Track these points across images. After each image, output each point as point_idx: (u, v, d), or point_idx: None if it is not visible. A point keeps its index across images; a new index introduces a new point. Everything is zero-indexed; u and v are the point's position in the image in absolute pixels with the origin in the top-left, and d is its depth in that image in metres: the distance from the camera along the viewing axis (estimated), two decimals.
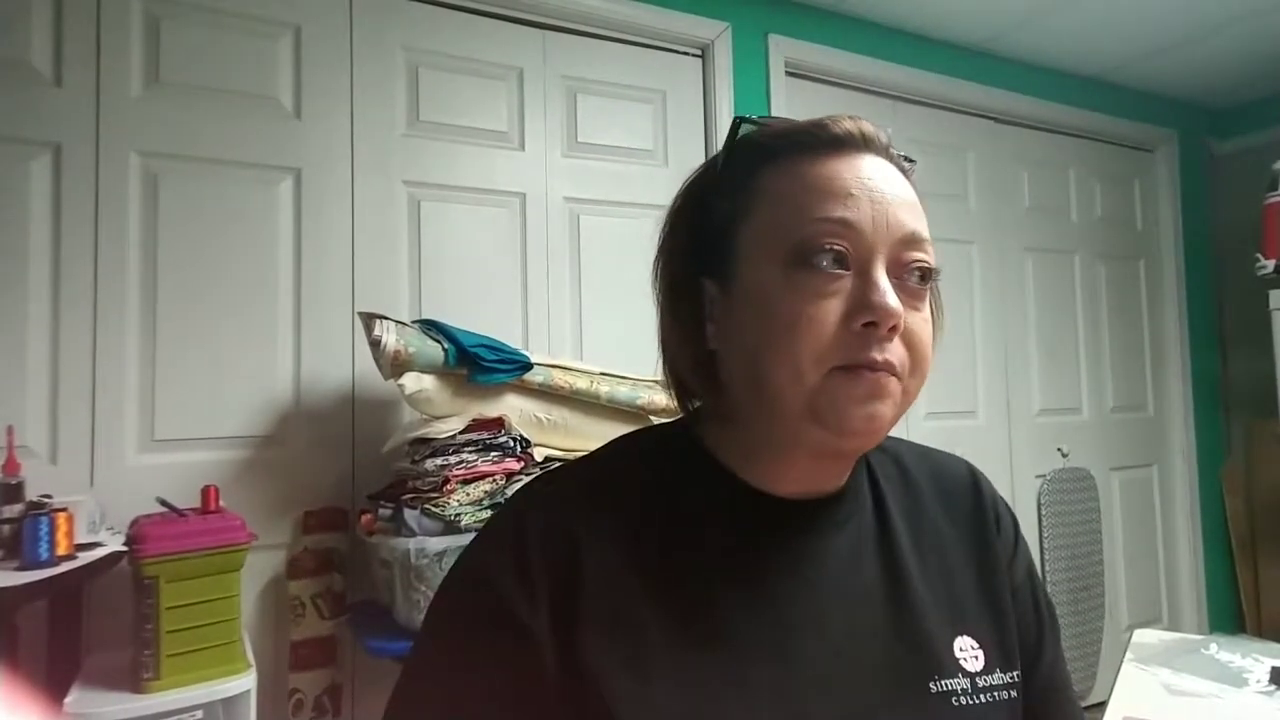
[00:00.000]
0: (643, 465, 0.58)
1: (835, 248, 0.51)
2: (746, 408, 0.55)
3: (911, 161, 0.58)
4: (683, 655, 0.50)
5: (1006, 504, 0.67)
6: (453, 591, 0.56)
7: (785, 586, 0.54)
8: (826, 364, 0.50)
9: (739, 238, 0.55)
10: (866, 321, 0.49)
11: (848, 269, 0.51)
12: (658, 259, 0.60)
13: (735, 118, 0.58)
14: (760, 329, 0.52)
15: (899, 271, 0.52)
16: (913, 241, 0.53)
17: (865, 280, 0.51)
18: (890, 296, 0.50)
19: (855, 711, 0.51)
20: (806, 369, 0.50)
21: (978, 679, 0.55)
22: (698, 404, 0.61)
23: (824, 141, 0.54)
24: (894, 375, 0.51)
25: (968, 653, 0.56)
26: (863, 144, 0.54)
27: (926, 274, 0.53)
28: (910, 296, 0.52)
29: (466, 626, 0.53)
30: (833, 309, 0.50)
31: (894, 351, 0.50)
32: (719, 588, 0.53)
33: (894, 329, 0.50)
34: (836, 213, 0.51)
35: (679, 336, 0.58)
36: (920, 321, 0.53)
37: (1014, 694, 0.56)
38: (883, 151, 0.55)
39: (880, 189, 0.52)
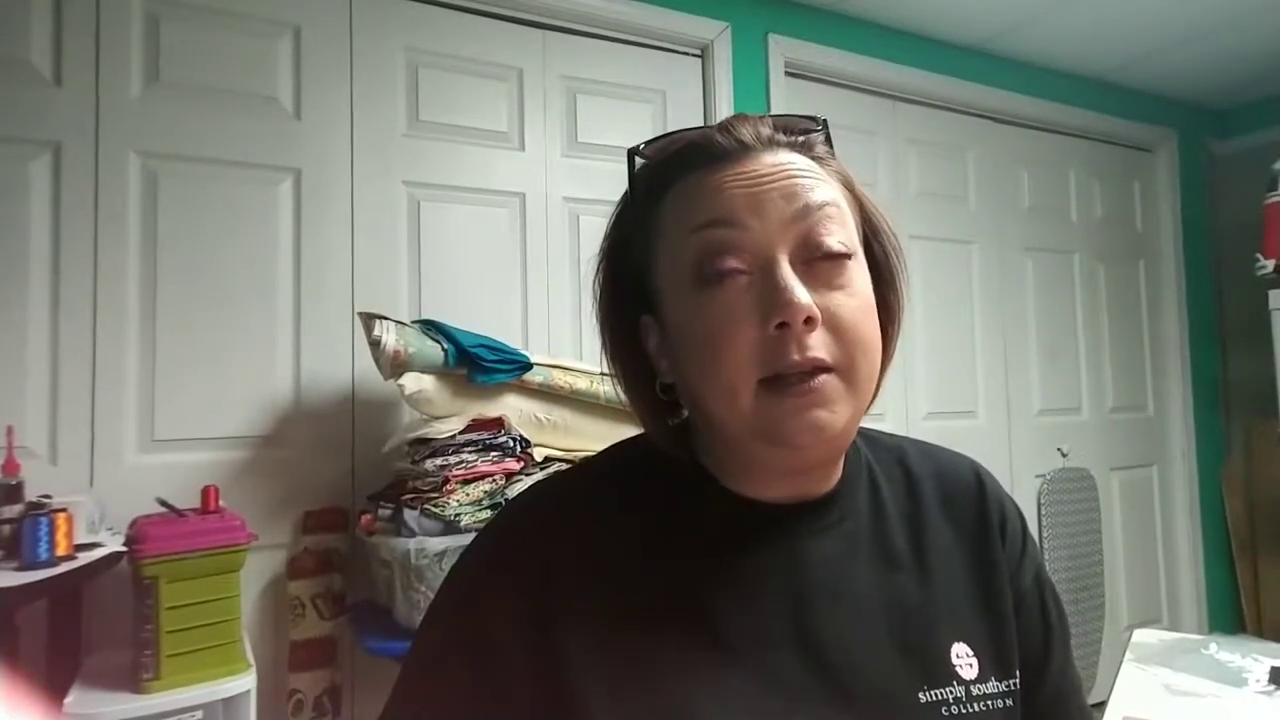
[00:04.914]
0: (634, 473, 0.58)
1: (723, 263, 0.48)
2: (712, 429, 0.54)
3: (816, 132, 0.55)
4: (663, 662, 0.49)
5: (1015, 506, 0.65)
6: (443, 596, 0.56)
7: (768, 593, 0.53)
8: (753, 378, 0.48)
9: (655, 272, 0.54)
10: (778, 323, 0.47)
11: (748, 271, 0.49)
12: (595, 303, 0.58)
13: (628, 150, 0.56)
14: (690, 360, 0.51)
15: (807, 253, 0.49)
16: (807, 213, 0.49)
17: (766, 277, 0.48)
18: (794, 291, 0.47)
19: None
20: (737, 389, 0.48)
21: (972, 687, 0.54)
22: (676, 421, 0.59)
23: (706, 156, 0.52)
24: (828, 371, 0.48)
25: (963, 660, 0.55)
26: (741, 149, 0.52)
27: (833, 253, 0.49)
28: (824, 277, 0.49)
29: (455, 631, 0.53)
30: (746, 319, 0.48)
31: (820, 345, 0.48)
32: (702, 595, 0.52)
33: (810, 321, 0.47)
34: (712, 215, 0.49)
35: (633, 382, 0.57)
36: (843, 301, 0.49)
37: (1010, 702, 0.55)
38: (769, 144, 0.52)
39: (756, 176, 0.50)
